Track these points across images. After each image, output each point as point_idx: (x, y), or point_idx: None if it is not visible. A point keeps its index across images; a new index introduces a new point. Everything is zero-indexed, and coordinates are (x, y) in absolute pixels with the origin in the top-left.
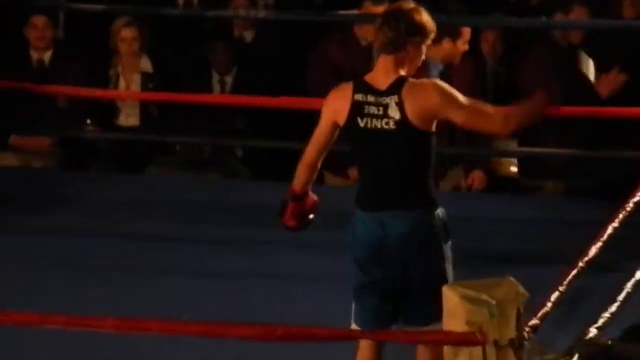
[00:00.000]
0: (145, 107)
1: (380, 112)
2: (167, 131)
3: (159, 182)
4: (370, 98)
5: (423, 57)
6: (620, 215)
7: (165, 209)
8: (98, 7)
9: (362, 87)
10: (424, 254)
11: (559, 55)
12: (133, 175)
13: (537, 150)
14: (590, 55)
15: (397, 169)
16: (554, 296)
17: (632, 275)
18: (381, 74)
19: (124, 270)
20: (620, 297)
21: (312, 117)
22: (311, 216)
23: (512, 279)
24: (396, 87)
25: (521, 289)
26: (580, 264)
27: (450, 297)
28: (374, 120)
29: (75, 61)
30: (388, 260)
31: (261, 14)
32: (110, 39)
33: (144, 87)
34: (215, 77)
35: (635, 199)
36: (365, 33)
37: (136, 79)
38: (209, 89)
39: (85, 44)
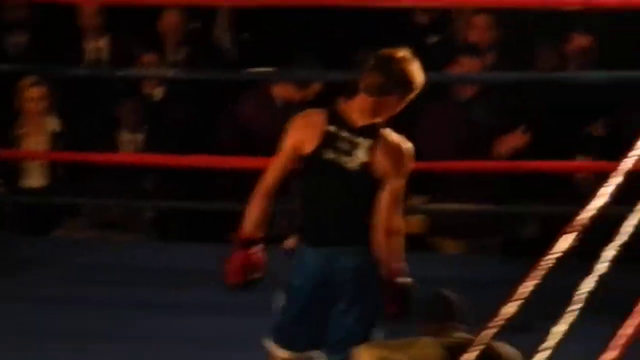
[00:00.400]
0: (52, 168)
1: (348, 149)
2: (74, 192)
3: (65, 244)
4: (344, 133)
5: (399, 109)
6: (537, 273)
7: (71, 271)
8: (4, 66)
9: (337, 119)
10: (367, 288)
11: (454, 109)
12: (39, 237)
13: (446, 206)
14: (488, 109)
15: (349, 208)
16: (470, 356)
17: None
18: (356, 112)
19: (23, 334)
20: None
21: (223, 177)
22: (258, 274)
23: (428, 338)
24: (372, 131)
25: (437, 349)
26: (496, 323)
27: (365, 357)
28: (341, 156)
29: None
30: (333, 294)
31: (171, 72)
32: (16, 98)
33: (52, 147)
34: (125, 136)
35: (553, 255)
36: (282, 92)
37: (43, 139)
38: (117, 148)
39: None
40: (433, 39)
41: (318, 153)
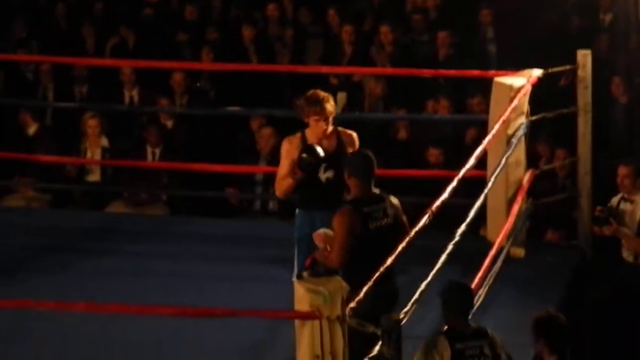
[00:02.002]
0: (104, 169)
1: None
2: (118, 184)
3: (113, 216)
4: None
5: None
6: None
7: (118, 233)
8: (73, 104)
9: None
10: None
11: None
12: (97, 212)
13: None
14: None
15: None
16: (364, 290)
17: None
18: None
19: (91, 272)
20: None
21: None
22: None
23: (339, 277)
24: None
25: (344, 284)
26: (382, 269)
27: (299, 288)
28: None
29: (55, 139)
30: None
31: (178, 109)
32: (81, 125)
33: (103, 157)
34: (149, 149)
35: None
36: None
37: (98, 152)
38: (145, 157)
39: (64, 126)
40: None
41: None
